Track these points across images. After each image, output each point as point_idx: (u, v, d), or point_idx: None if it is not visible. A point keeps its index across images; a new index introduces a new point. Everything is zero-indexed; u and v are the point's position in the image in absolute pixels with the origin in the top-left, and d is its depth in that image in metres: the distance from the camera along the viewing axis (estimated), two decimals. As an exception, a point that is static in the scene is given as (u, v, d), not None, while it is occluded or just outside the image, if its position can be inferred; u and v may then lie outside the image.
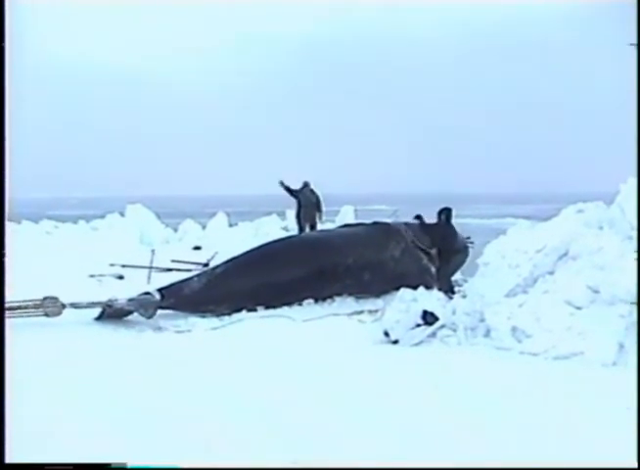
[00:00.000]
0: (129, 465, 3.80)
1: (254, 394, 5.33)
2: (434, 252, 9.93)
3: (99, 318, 8.12)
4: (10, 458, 3.84)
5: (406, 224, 10.73)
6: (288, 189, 14.66)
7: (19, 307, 7.56)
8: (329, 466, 3.95)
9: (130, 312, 8.21)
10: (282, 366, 6.18)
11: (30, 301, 7.78)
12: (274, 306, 8.69)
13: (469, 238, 11.66)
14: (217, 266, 9.59)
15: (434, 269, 9.88)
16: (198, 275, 9.22)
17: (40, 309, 7.82)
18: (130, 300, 8.18)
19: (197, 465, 3.87)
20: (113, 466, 3.79)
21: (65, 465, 3.77)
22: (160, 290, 8.43)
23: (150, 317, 8.06)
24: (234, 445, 4.32)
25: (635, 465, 3.82)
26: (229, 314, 8.42)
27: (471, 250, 11.32)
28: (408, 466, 3.90)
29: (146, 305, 8.11)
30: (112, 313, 8.15)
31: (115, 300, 8.16)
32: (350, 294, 9.37)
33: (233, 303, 8.56)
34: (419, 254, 10.07)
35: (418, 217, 10.26)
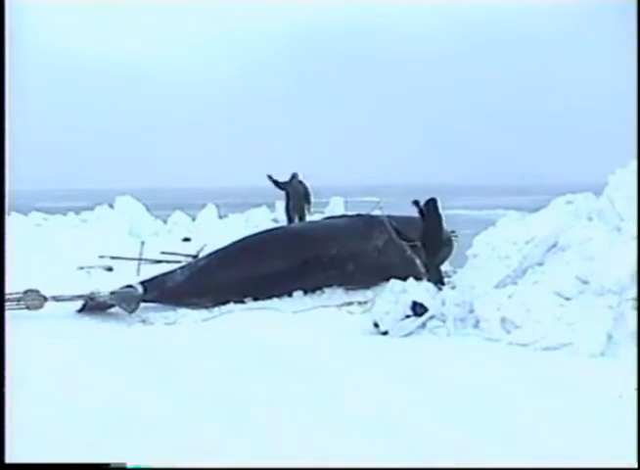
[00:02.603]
0: (128, 465, 3.75)
1: (248, 387, 5.30)
2: (418, 243, 9.90)
3: (81, 311, 8.02)
4: (10, 458, 3.79)
5: (390, 217, 10.73)
6: (275, 182, 14.64)
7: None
8: (325, 462, 3.93)
9: (112, 305, 8.08)
10: (272, 358, 6.14)
11: (11, 294, 7.59)
12: (261, 298, 8.64)
13: (453, 232, 11.62)
14: (201, 259, 9.53)
15: (419, 261, 9.85)
16: (181, 268, 9.12)
17: (21, 303, 7.70)
18: (112, 293, 8.04)
19: (196, 465, 3.84)
20: (112, 466, 3.73)
21: (64, 465, 3.73)
22: (142, 283, 8.32)
23: (132, 312, 7.91)
24: (230, 439, 4.28)
25: (635, 465, 3.82)
26: (217, 306, 8.35)
27: (461, 241, 11.30)
28: (405, 465, 3.89)
29: (128, 300, 7.97)
30: (94, 306, 8.04)
31: (98, 293, 8.03)
32: (337, 285, 9.33)
33: (216, 295, 8.49)
34: (403, 245, 10.04)
35: (415, 203, 10.05)
